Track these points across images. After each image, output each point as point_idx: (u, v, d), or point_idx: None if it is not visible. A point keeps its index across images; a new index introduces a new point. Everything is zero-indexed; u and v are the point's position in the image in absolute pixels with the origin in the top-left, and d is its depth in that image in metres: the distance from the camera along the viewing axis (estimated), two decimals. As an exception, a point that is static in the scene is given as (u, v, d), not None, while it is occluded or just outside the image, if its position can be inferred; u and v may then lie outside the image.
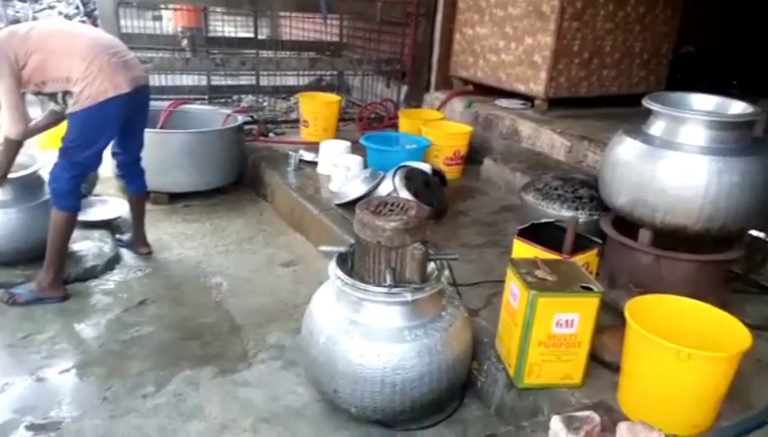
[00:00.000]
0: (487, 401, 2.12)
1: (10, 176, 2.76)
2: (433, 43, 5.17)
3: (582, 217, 2.68)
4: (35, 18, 5.12)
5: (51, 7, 5.71)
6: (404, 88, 5.37)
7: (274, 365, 2.33)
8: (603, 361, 2.05)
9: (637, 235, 2.31)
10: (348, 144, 4.07)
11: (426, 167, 3.50)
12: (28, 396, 2.09)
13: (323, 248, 2.16)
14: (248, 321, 2.62)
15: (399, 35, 5.29)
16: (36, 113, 3.66)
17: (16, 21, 5.05)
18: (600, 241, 2.39)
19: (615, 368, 1.95)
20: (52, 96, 2.70)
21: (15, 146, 2.62)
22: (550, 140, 3.95)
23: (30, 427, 1.94)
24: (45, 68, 2.54)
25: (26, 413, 1.99)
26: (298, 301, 2.71)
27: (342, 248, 2.10)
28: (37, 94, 2.73)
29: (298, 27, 6.79)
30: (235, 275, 3.03)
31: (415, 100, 5.24)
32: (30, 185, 2.86)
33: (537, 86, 4.27)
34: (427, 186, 3.31)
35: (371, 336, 1.89)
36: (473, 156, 4.21)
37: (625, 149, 2.30)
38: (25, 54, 2.50)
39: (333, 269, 2.00)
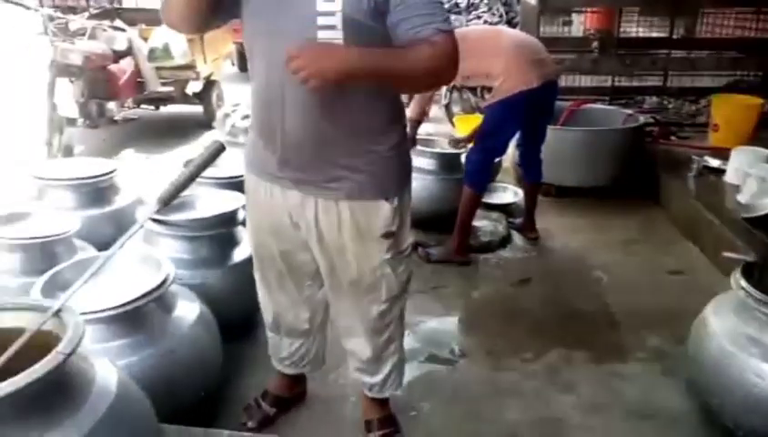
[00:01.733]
0: None
1: (437, 151, 3.36)
2: None
3: None
4: (466, 27, 5.97)
5: (479, 17, 6.55)
6: None
7: (652, 367, 2.27)
8: None
9: None
10: (766, 152, 3.56)
11: None
12: (433, 334, 2.54)
13: (728, 254, 2.00)
14: (627, 319, 2.60)
15: None
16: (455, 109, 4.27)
17: (454, 30, 5.98)
18: None
19: None
20: (473, 89, 3.17)
21: (414, 124, 3.20)
22: None
23: (431, 357, 2.36)
24: (473, 65, 2.99)
25: (430, 346, 2.43)
26: (684, 311, 2.52)
27: (750, 258, 1.90)
28: (461, 88, 3.25)
29: (720, 24, 6.14)
30: (617, 273, 3.02)
31: None
32: (449, 162, 3.44)
33: None
34: None
35: (776, 359, 1.68)
36: None
37: None
38: (463, 51, 2.99)
39: (737, 278, 1.84)
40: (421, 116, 3.23)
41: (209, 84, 5.61)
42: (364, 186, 1.46)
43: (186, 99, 5.49)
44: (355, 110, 1.42)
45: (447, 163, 3.44)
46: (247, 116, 3.49)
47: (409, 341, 2.44)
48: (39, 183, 2.55)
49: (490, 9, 6.79)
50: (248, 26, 1.45)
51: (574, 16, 6.57)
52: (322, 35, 1.31)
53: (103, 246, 2.32)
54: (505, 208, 3.77)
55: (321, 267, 1.65)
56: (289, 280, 1.73)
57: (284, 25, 1.35)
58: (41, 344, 1.10)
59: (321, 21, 1.31)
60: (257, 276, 1.81)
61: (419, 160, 3.38)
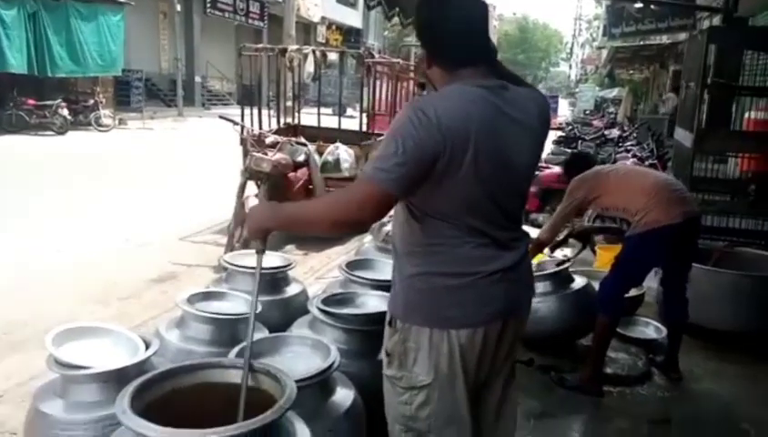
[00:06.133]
0: None
1: (550, 271, 3.52)
2: None
3: None
4: (615, 160, 6.09)
5: (627, 151, 6.65)
6: None
7: None
8: None
9: None
10: None
11: None
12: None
13: None
14: (778, 481, 2.43)
15: None
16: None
17: (603, 162, 6.14)
18: None
19: None
20: (613, 218, 3.34)
21: (538, 249, 3.36)
22: None
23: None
24: (611, 198, 3.17)
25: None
26: None
27: None
28: (601, 216, 3.43)
29: None
30: (768, 430, 2.83)
31: None
32: (562, 280, 3.53)
33: None
34: None
35: None
36: None
37: None
38: (602, 187, 3.18)
39: None
40: (550, 240, 3.39)
41: (368, 195, 6.19)
42: (390, 300, 1.61)
43: (346, 207, 6.08)
44: (398, 232, 1.59)
45: (559, 282, 3.52)
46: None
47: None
48: (229, 268, 3.03)
49: (639, 144, 6.90)
50: None
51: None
52: None
53: (274, 328, 2.69)
54: (646, 344, 3.69)
55: None
56: None
57: None
58: (253, 400, 1.39)
59: None
60: None
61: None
